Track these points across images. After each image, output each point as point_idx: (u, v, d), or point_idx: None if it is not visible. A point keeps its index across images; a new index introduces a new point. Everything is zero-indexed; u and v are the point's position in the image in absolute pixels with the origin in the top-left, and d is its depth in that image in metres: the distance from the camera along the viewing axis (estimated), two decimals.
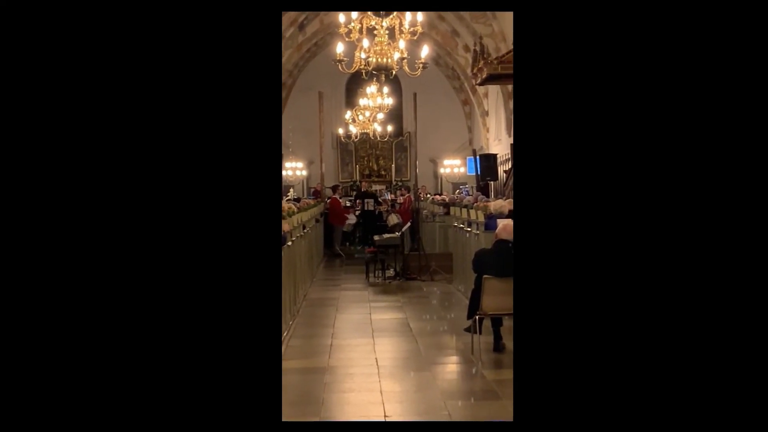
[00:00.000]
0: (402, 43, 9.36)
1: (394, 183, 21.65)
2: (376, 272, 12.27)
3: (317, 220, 14.15)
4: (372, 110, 16.62)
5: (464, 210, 10.36)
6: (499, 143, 18.74)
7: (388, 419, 4.94)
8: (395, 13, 9.14)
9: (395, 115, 20.63)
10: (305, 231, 10.74)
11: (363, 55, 9.57)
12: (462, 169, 21.66)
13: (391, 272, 12.25)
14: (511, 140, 16.59)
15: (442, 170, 22.21)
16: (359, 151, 22.28)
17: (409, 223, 13.43)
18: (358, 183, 21.11)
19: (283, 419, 5.05)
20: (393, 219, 14.31)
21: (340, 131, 20.04)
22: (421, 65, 9.75)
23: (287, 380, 6.06)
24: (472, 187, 17.98)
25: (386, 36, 9.34)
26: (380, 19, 9.10)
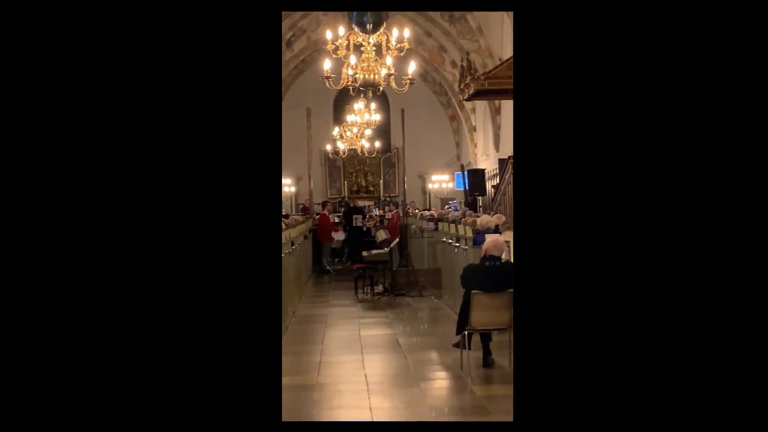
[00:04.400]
0: (389, 60, 9.39)
1: (382, 199, 21.66)
2: (365, 288, 12.25)
3: (306, 237, 14.13)
4: (360, 126, 16.65)
5: (452, 225, 10.37)
6: (486, 158, 18.79)
7: None
8: (382, 29, 9.17)
9: (383, 131, 20.67)
10: (294, 247, 10.72)
11: (350, 72, 9.60)
12: (450, 185, 21.71)
13: (379, 288, 12.23)
14: (499, 155, 16.64)
15: (430, 185, 22.24)
16: (347, 167, 22.30)
17: (397, 239, 13.42)
18: (346, 199, 21.11)
19: None
20: (381, 235, 14.30)
21: (328, 147, 20.06)
22: (408, 81, 9.77)
23: None
24: (460, 202, 18.00)
25: (373, 52, 9.37)
26: (367, 35, 9.13)
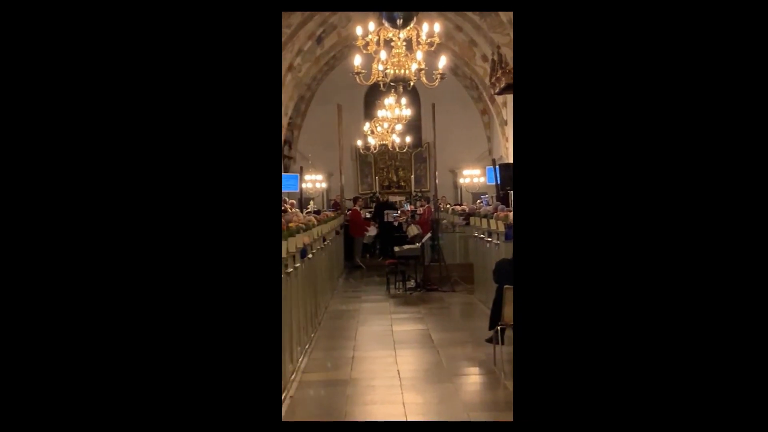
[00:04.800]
0: (419, 54, 9.36)
1: (413, 194, 21.64)
2: (397, 284, 12.26)
3: (337, 232, 14.17)
4: (390, 121, 16.63)
5: (484, 220, 10.34)
6: None
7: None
8: (412, 24, 9.15)
9: (414, 126, 20.62)
10: (325, 243, 10.76)
11: (381, 67, 9.59)
12: (482, 179, 21.61)
13: (411, 283, 12.24)
14: None
15: (461, 180, 22.16)
16: (378, 162, 22.29)
17: (429, 234, 13.42)
18: (377, 194, 21.12)
19: None
20: (413, 230, 14.30)
21: (359, 143, 20.06)
22: (438, 76, 9.75)
23: (310, 393, 6.06)
24: (491, 196, 17.93)
25: (404, 47, 9.35)
26: (397, 30, 9.11)
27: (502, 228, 9.06)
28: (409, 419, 5.18)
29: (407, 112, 16.16)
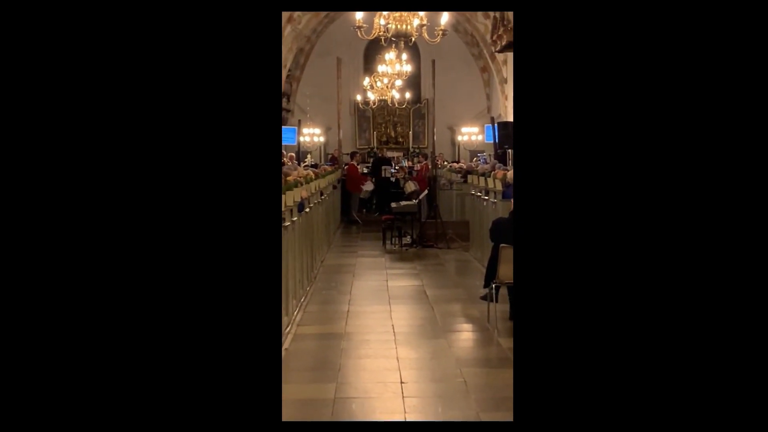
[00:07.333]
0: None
1: (411, 150, 21.61)
2: (393, 239, 12.31)
3: (334, 187, 14.18)
4: (390, 77, 16.56)
5: (482, 178, 10.35)
6: None
7: (404, 385, 5.00)
8: None
9: (413, 82, 20.52)
10: (322, 197, 10.78)
11: (382, 22, 9.53)
12: (480, 137, 21.56)
13: (407, 239, 12.29)
14: None
15: (459, 138, 22.11)
16: (377, 117, 22.20)
17: (426, 191, 13.44)
18: (375, 150, 21.08)
19: (301, 384, 5.13)
20: (410, 186, 14.31)
21: (358, 98, 19.98)
22: (440, 32, 9.68)
23: (304, 346, 6.14)
24: (489, 155, 17.92)
25: None
26: None
27: (499, 187, 9.08)
28: (402, 374, 5.25)
29: (407, 68, 16.09)
